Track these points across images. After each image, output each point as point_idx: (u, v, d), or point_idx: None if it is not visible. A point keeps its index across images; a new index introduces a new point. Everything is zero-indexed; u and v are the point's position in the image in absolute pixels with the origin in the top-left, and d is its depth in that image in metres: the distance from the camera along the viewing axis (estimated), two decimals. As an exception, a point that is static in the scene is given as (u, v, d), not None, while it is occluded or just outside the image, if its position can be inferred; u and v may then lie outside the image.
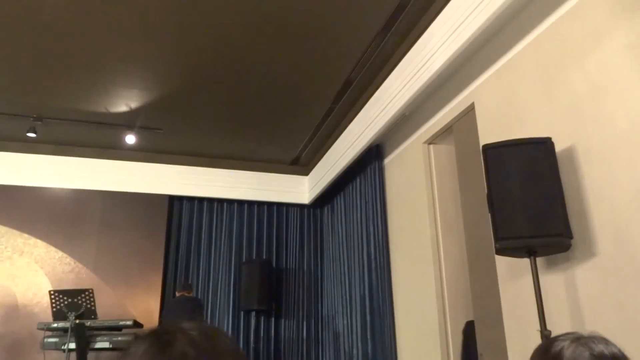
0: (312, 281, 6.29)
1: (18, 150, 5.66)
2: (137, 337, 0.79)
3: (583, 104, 2.64)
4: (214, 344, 0.78)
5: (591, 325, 2.47)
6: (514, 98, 3.14)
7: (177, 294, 5.25)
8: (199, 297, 5.86)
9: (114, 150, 5.88)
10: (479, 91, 3.49)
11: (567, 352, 1.00)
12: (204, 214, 6.22)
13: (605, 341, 1.02)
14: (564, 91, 2.77)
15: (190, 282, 5.81)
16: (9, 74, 4.43)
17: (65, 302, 4.38)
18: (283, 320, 6.06)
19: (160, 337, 0.77)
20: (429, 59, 3.68)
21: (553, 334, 2.35)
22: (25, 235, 5.54)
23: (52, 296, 4.45)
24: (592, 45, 2.59)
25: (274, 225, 6.39)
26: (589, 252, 2.52)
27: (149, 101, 4.92)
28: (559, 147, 2.65)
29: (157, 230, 5.93)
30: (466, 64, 3.60)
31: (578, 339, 1.02)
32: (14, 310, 5.27)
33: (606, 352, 0.99)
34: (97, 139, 5.68)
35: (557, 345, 1.02)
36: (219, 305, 5.93)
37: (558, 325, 2.59)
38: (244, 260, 6.08)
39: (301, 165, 6.50)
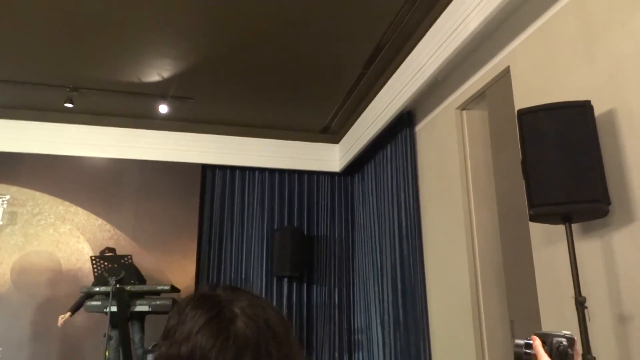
0: (343, 249, 6.34)
1: (57, 120, 5.82)
2: (194, 303, 0.79)
3: (626, 66, 2.51)
4: (268, 319, 0.80)
5: (627, 292, 2.42)
6: (553, 60, 3.02)
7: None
8: (231, 264, 6.03)
9: (147, 120, 5.98)
10: (515, 54, 3.36)
11: None
12: (236, 182, 6.31)
13: None
14: (606, 52, 2.64)
15: (222, 247, 6.00)
16: (45, 46, 4.52)
17: (106, 268, 4.56)
18: (315, 287, 6.17)
19: (221, 311, 0.78)
20: (463, 21, 3.56)
21: (588, 301, 2.33)
22: (67, 203, 5.75)
23: (93, 262, 4.64)
24: (638, 1, 2.45)
25: (305, 194, 6.43)
26: (628, 218, 2.44)
27: (181, 70, 4.96)
28: (598, 111, 2.55)
29: (192, 198, 6.06)
30: (502, 26, 3.47)
31: None
32: (59, 275, 5.54)
33: None
34: (131, 108, 5.79)
35: None
36: (252, 272, 6.06)
37: (593, 292, 2.55)
38: (275, 227, 6.17)
39: (332, 133, 6.48)
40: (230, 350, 0.74)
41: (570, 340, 0.99)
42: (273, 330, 0.79)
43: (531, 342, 1.00)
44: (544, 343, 1.00)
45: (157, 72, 5.01)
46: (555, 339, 0.99)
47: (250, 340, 0.75)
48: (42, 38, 4.39)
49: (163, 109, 5.64)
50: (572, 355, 0.98)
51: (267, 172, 6.37)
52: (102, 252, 5.21)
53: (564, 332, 1.01)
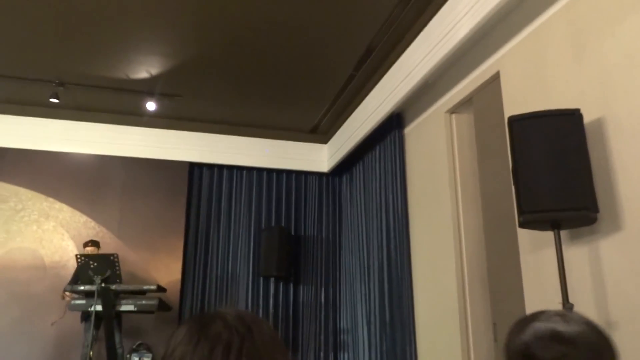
0: (330, 249, 6.34)
1: (42, 115, 5.72)
2: (182, 324, 0.87)
3: (615, 74, 2.55)
4: (251, 328, 0.83)
5: (614, 299, 2.45)
6: (542, 67, 3.04)
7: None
8: (218, 263, 5.97)
9: (135, 117, 5.91)
10: (505, 59, 3.39)
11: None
12: (224, 181, 6.27)
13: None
14: (595, 60, 2.67)
15: (209, 247, 5.95)
16: (31, 39, 4.44)
17: (92, 266, 4.49)
18: (302, 287, 6.16)
19: (200, 320, 0.85)
20: (454, 26, 3.58)
21: (575, 308, 2.35)
22: (51, 200, 5.66)
23: (79, 260, 4.57)
24: (627, 10, 2.48)
25: (293, 193, 6.42)
26: (615, 226, 2.48)
27: (169, 67, 4.90)
28: (587, 119, 2.58)
29: (178, 197, 6.01)
30: (493, 31, 3.49)
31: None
32: (42, 272, 5.45)
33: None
34: (118, 105, 5.71)
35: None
36: (239, 271, 6.04)
37: (580, 299, 2.58)
38: (262, 227, 6.14)
39: (320, 133, 6.47)
40: (205, 346, 0.78)
41: None
42: (250, 330, 0.82)
43: None
44: None
45: (145, 69, 4.95)
46: None
47: (223, 336, 0.79)
48: (29, 32, 4.31)
49: (151, 106, 5.57)
50: None
51: (255, 171, 6.34)
52: (85, 244, 5.16)
53: None
